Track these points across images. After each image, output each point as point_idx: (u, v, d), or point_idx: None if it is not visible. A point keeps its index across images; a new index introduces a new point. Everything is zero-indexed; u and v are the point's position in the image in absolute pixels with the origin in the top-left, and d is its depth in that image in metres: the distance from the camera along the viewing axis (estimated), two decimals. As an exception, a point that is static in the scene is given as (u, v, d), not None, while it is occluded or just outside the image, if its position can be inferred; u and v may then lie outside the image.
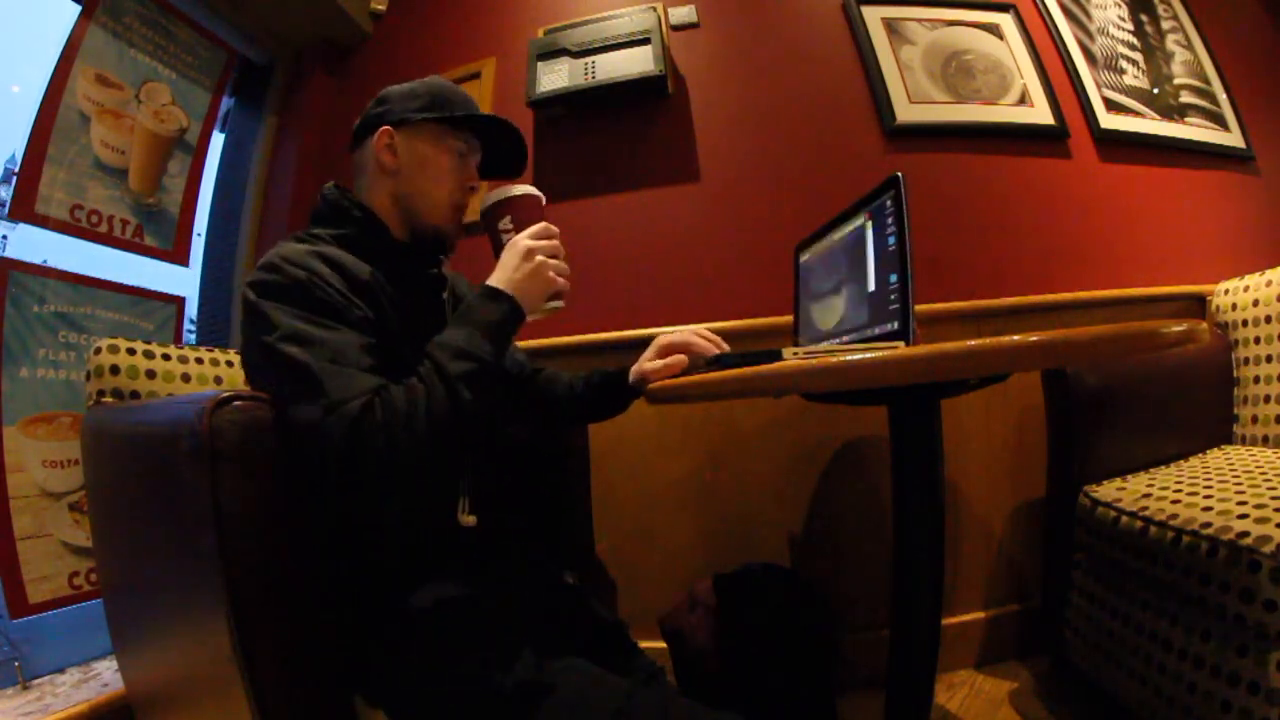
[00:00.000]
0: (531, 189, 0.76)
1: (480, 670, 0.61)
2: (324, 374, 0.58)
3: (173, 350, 1.01)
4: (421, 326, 0.71)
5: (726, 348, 0.88)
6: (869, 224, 0.88)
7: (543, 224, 0.74)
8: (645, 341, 0.91)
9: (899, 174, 0.80)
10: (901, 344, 0.70)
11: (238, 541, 0.56)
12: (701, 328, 0.92)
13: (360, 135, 0.80)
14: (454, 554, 0.72)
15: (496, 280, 0.70)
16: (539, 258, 0.70)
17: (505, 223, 0.74)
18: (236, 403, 0.58)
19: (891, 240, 0.81)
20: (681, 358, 0.84)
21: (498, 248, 0.74)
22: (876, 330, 0.84)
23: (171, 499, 0.65)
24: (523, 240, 0.71)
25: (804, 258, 1.11)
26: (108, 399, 0.90)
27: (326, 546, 0.65)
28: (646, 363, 0.86)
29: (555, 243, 0.74)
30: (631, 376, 0.88)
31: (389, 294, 0.71)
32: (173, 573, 0.70)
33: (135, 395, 0.92)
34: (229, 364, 1.08)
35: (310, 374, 0.57)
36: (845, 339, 0.93)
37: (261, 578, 0.57)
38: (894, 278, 0.80)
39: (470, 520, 0.72)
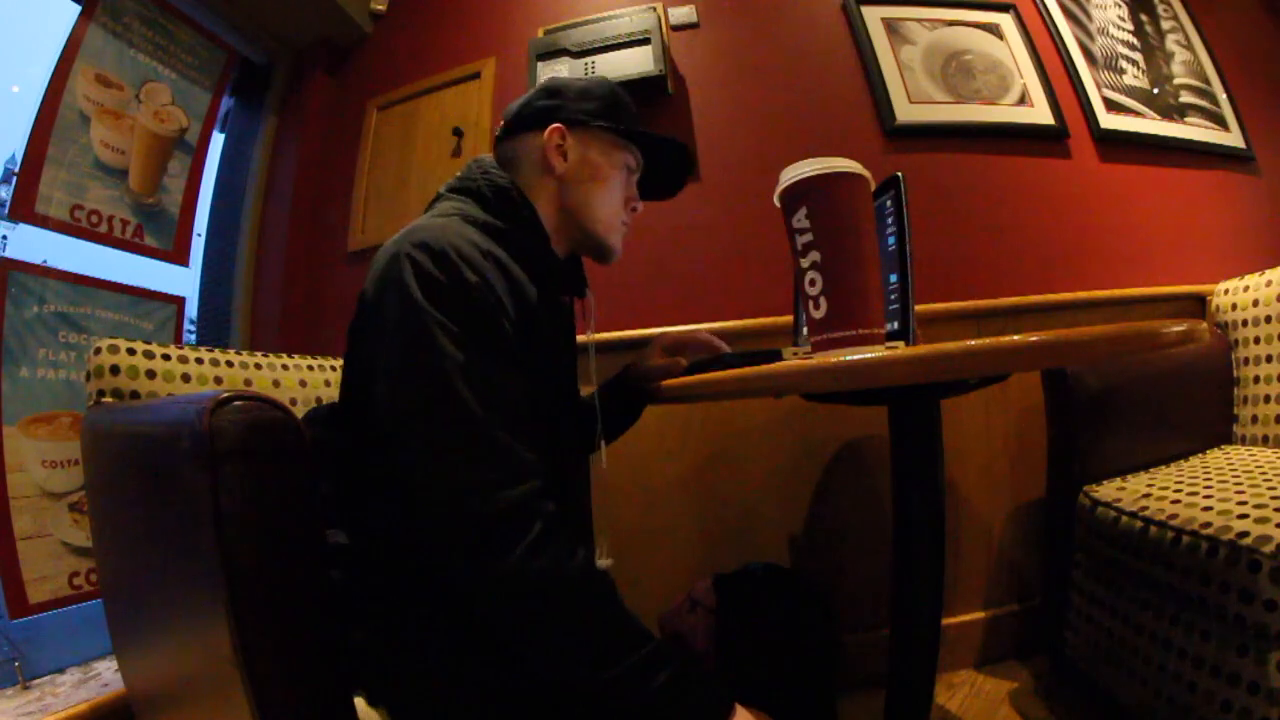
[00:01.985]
0: (838, 168, 0.58)
1: (485, 671, 0.61)
2: (496, 447, 0.51)
3: (173, 350, 1.01)
4: (556, 359, 0.66)
5: (727, 348, 0.88)
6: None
7: None
8: (645, 342, 0.91)
9: (899, 174, 0.80)
10: (902, 344, 0.70)
11: (238, 542, 0.55)
12: (701, 328, 0.92)
13: (521, 125, 0.72)
14: None
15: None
16: None
17: (799, 219, 0.57)
18: (237, 403, 0.57)
19: (892, 240, 0.81)
20: (680, 361, 0.82)
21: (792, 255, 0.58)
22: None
23: (171, 499, 0.65)
24: None
25: None
26: (108, 399, 0.90)
27: (334, 545, 0.64)
28: (648, 362, 0.85)
29: None
30: (631, 376, 0.87)
31: (542, 319, 0.63)
32: (173, 573, 0.69)
33: (135, 395, 0.92)
34: (229, 364, 1.08)
35: (479, 440, 0.51)
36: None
37: (262, 579, 0.56)
38: (894, 278, 0.80)
39: (608, 563, 0.67)
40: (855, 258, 0.56)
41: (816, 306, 0.55)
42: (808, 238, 0.56)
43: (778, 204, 0.59)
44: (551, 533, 0.52)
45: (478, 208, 0.67)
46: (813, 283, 0.55)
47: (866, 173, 0.58)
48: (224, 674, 0.56)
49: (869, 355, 0.52)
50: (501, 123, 0.76)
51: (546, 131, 0.70)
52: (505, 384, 0.54)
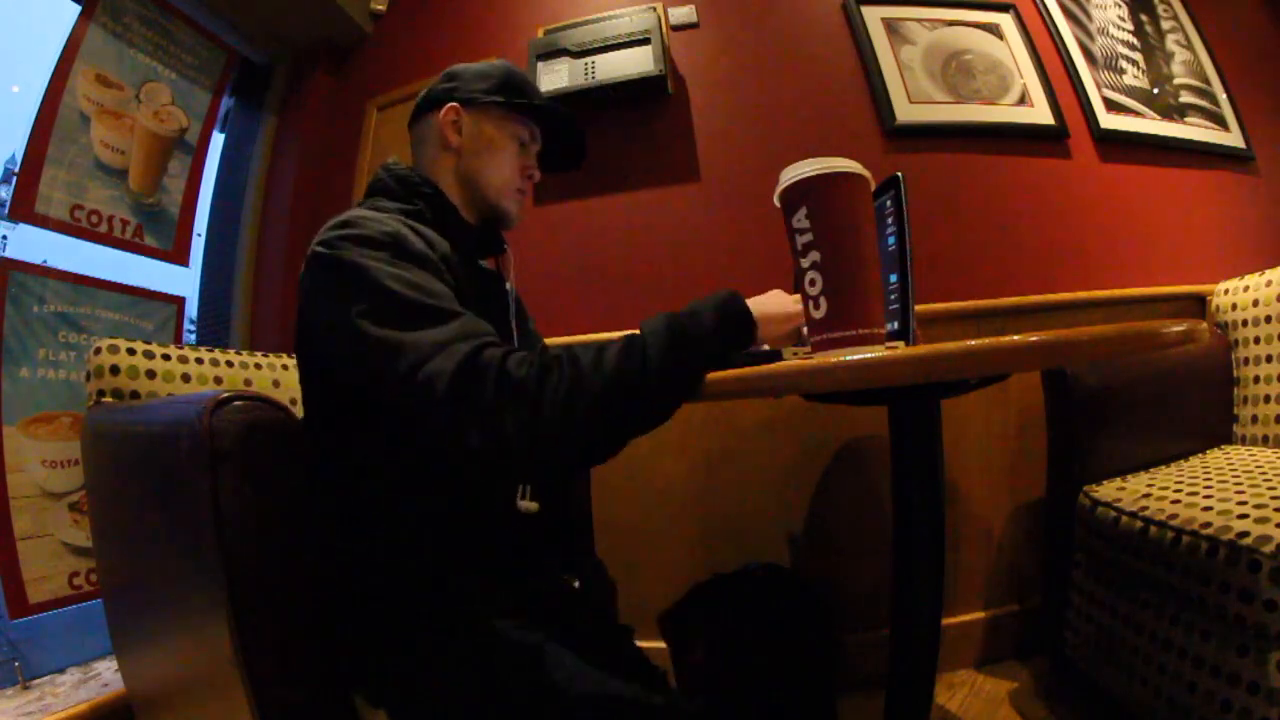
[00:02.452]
0: (836, 168, 0.58)
1: (483, 671, 0.61)
2: (452, 312, 0.54)
3: (173, 350, 1.01)
4: (487, 318, 0.68)
5: None
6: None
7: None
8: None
9: (899, 174, 0.80)
10: (902, 344, 0.70)
11: (238, 543, 0.55)
12: None
13: (424, 109, 0.79)
14: (508, 543, 0.70)
15: (754, 301, 0.63)
16: (794, 324, 0.67)
17: (799, 219, 0.57)
18: (237, 402, 0.57)
19: (892, 240, 0.81)
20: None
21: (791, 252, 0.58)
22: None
23: (171, 499, 0.65)
24: (795, 305, 0.66)
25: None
26: (108, 399, 0.90)
27: (334, 545, 0.64)
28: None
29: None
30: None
31: (461, 275, 0.68)
32: (173, 573, 0.70)
33: (135, 395, 0.92)
34: (229, 364, 1.08)
35: (430, 308, 0.54)
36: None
37: (262, 579, 0.57)
38: (894, 277, 0.80)
39: (532, 506, 0.69)
40: (855, 258, 0.56)
41: (816, 306, 0.56)
42: (807, 238, 0.56)
43: (777, 204, 0.60)
44: (509, 356, 0.52)
45: (386, 200, 0.73)
46: (812, 283, 0.56)
47: (866, 172, 0.58)
48: (224, 673, 0.56)
49: (869, 355, 0.52)
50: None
51: (443, 110, 0.76)
52: (432, 281, 0.58)
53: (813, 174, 0.57)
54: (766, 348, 0.68)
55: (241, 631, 0.55)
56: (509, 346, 0.54)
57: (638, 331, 0.55)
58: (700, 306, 0.57)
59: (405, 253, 0.59)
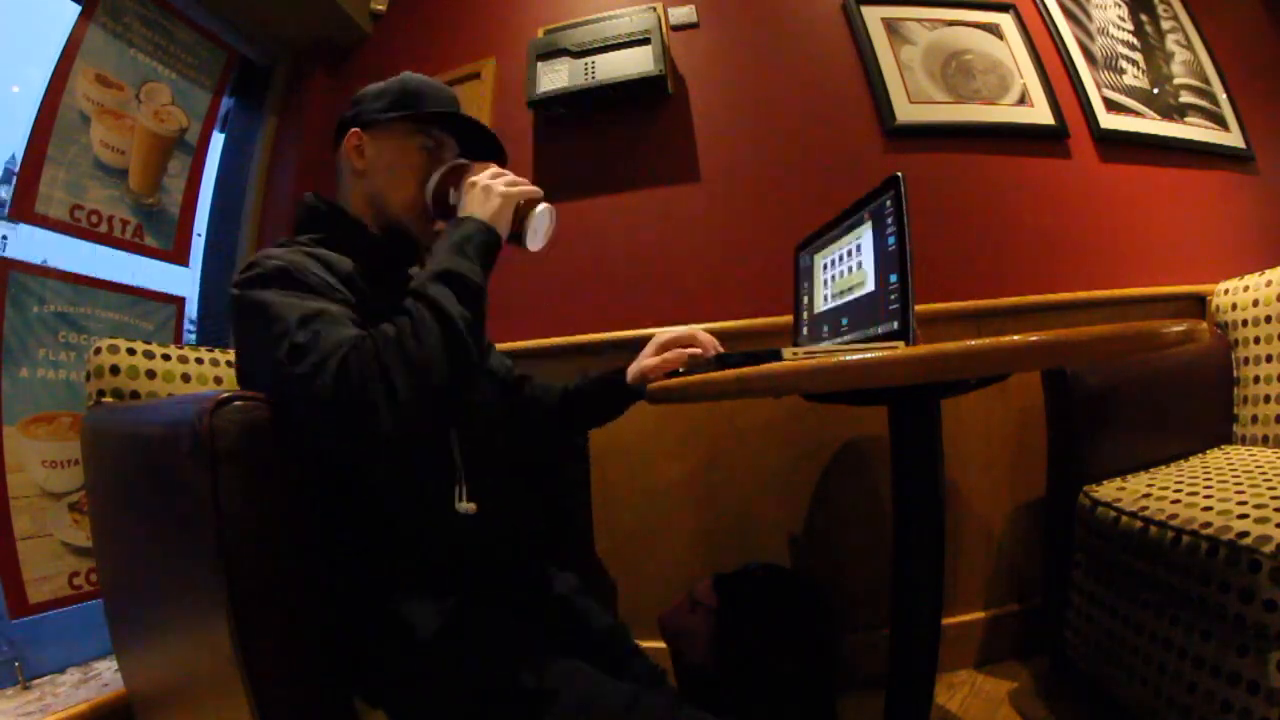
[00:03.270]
0: (461, 160, 0.76)
1: (482, 672, 0.61)
2: (313, 330, 0.57)
3: (173, 350, 1.01)
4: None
5: (720, 348, 0.88)
6: (869, 224, 0.88)
7: (491, 166, 0.73)
8: (643, 341, 0.90)
9: (899, 174, 0.80)
10: (902, 344, 0.70)
11: (238, 543, 0.55)
12: (699, 328, 0.91)
13: (336, 140, 0.80)
14: (451, 547, 0.71)
15: (460, 212, 0.69)
16: (500, 187, 0.69)
17: (454, 196, 0.72)
18: (237, 403, 0.57)
19: (892, 240, 0.81)
20: (681, 353, 0.83)
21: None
22: (878, 330, 0.84)
23: (172, 500, 0.65)
24: (478, 179, 0.70)
25: (803, 257, 1.12)
26: (107, 399, 0.90)
27: (330, 545, 0.65)
28: (645, 360, 0.86)
29: (510, 175, 0.71)
30: (630, 376, 0.87)
31: (368, 290, 0.70)
32: (173, 573, 0.70)
33: (135, 395, 0.92)
34: (229, 364, 1.08)
35: (297, 332, 0.57)
36: (846, 339, 0.93)
37: (262, 579, 0.57)
38: (894, 277, 0.80)
39: (470, 508, 0.70)
40: None
41: None
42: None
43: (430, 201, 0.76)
44: (379, 336, 0.56)
45: (302, 233, 0.76)
46: None
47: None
48: (224, 673, 0.56)
49: (869, 355, 0.52)
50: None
51: (346, 137, 0.78)
52: (316, 305, 0.60)
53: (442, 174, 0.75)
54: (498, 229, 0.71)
55: (242, 632, 0.55)
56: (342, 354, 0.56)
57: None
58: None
59: (292, 281, 0.62)
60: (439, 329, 0.57)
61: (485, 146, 0.84)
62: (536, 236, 0.72)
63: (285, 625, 0.58)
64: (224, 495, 0.55)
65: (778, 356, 0.60)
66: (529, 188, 0.71)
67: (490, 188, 0.69)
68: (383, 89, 0.80)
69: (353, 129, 0.78)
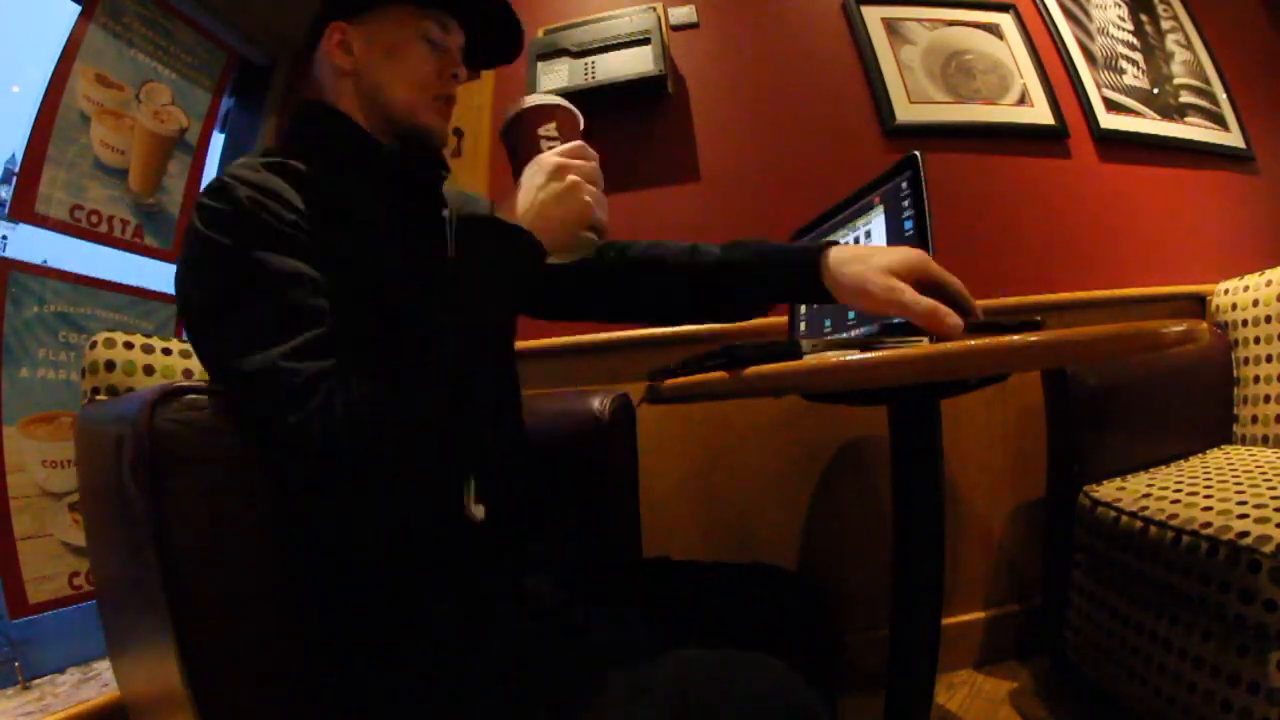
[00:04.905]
0: (571, 106, 0.62)
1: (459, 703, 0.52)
2: (294, 343, 0.47)
3: (175, 344, 0.95)
4: (421, 257, 0.61)
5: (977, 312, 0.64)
6: (880, 208, 0.84)
7: (579, 143, 0.59)
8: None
9: (916, 153, 0.77)
10: (925, 339, 0.65)
11: (186, 581, 0.44)
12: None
13: (310, 42, 0.67)
14: (460, 558, 0.61)
15: (517, 204, 0.55)
16: (571, 177, 0.56)
17: (549, 129, 0.59)
18: (187, 396, 0.45)
19: (909, 224, 0.77)
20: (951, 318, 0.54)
21: (523, 160, 0.59)
22: (894, 321, 0.77)
23: (123, 514, 0.51)
24: (551, 156, 0.57)
25: None
26: (101, 397, 0.85)
27: (302, 567, 0.54)
28: (885, 280, 0.57)
29: (594, 165, 0.59)
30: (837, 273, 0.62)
31: (381, 220, 0.60)
32: (133, 593, 0.59)
33: (131, 393, 0.90)
34: None
35: (275, 343, 0.47)
36: (857, 332, 0.88)
37: (217, 621, 0.46)
38: None
39: (479, 512, 0.60)
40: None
41: None
42: (554, 143, 0.59)
43: (507, 123, 0.61)
44: (352, 397, 0.47)
45: (289, 145, 0.63)
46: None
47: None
48: (180, 698, 0.48)
49: (868, 355, 0.52)
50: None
51: (326, 33, 0.65)
52: (278, 288, 0.50)
53: (559, 103, 0.61)
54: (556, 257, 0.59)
55: (190, 664, 0.45)
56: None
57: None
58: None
59: (266, 227, 0.52)
60: (437, 411, 0.49)
61: (499, 33, 0.71)
62: (563, 257, 0.61)
63: (240, 662, 0.48)
64: (169, 517, 0.43)
65: (796, 348, 0.57)
66: (603, 203, 0.59)
67: (576, 189, 0.56)
68: None
69: (333, 22, 0.64)
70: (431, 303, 0.52)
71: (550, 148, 0.58)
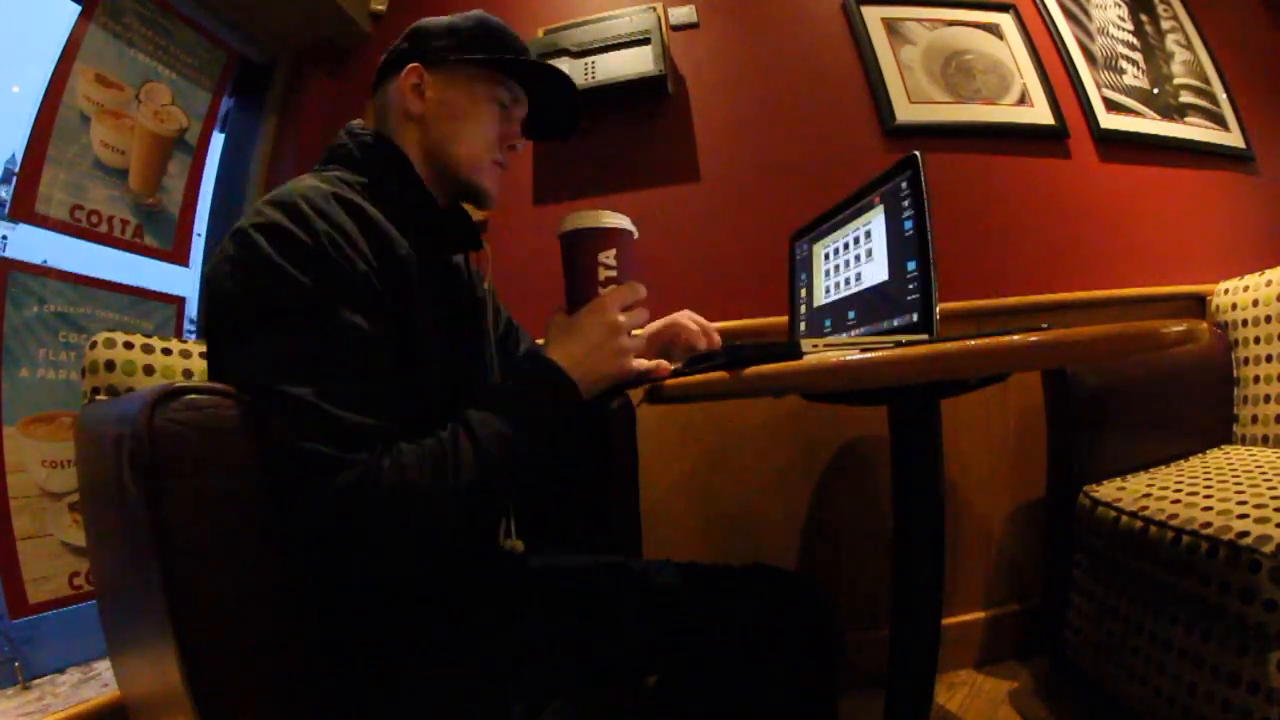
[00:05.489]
0: (633, 228, 0.64)
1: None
2: (327, 402, 0.46)
3: (175, 344, 0.95)
4: (457, 323, 0.61)
5: (718, 339, 0.83)
6: (880, 208, 0.84)
7: (635, 287, 0.61)
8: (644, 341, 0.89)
9: (916, 153, 0.77)
10: (925, 336, 0.66)
11: (188, 583, 0.44)
12: (687, 313, 0.84)
13: (384, 73, 0.68)
14: (491, 588, 0.60)
15: (567, 350, 0.57)
16: (625, 341, 0.59)
17: (609, 257, 0.61)
18: (189, 396, 0.45)
19: (909, 225, 0.77)
20: (664, 363, 0.69)
21: (580, 284, 0.61)
22: (895, 323, 0.79)
23: (123, 514, 0.52)
24: (614, 313, 0.59)
25: (800, 246, 1.08)
26: (101, 397, 0.85)
27: (308, 576, 0.53)
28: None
29: (643, 315, 0.62)
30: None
31: (423, 276, 0.59)
32: (133, 594, 0.60)
33: (131, 392, 0.90)
34: None
35: (308, 401, 0.46)
36: (857, 332, 0.88)
37: (217, 623, 0.46)
38: (912, 265, 0.76)
39: (518, 546, 0.61)
40: None
41: None
42: (612, 273, 0.61)
43: (569, 234, 0.62)
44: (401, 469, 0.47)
45: (348, 171, 0.62)
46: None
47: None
48: (180, 699, 0.49)
49: (869, 355, 0.52)
50: None
51: (403, 73, 0.65)
52: (341, 341, 0.49)
53: (621, 226, 0.63)
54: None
55: (190, 665, 0.45)
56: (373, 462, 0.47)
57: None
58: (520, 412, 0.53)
59: (342, 272, 0.50)
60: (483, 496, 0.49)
61: (557, 110, 0.74)
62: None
63: (242, 663, 0.48)
64: (170, 520, 0.43)
65: (797, 349, 0.58)
66: (648, 366, 0.61)
67: (627, 355, 0.59)
68: (452, 24, 0.68)
69: (413, 64, 0.65)
70: (473, 403, 0.53)
71: (608, 278, 0.61)
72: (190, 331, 1.90)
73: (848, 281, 0.92)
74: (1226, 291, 1.39)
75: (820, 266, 1.01)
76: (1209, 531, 0.84)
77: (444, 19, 0.69)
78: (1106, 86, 1.65)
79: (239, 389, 0.48)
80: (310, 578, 0.53)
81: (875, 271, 0.84)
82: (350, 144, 0.64)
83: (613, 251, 0.61)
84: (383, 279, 0.54)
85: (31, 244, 1.48)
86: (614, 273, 0.61)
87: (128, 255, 1.65)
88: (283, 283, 0.49)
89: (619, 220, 0.62)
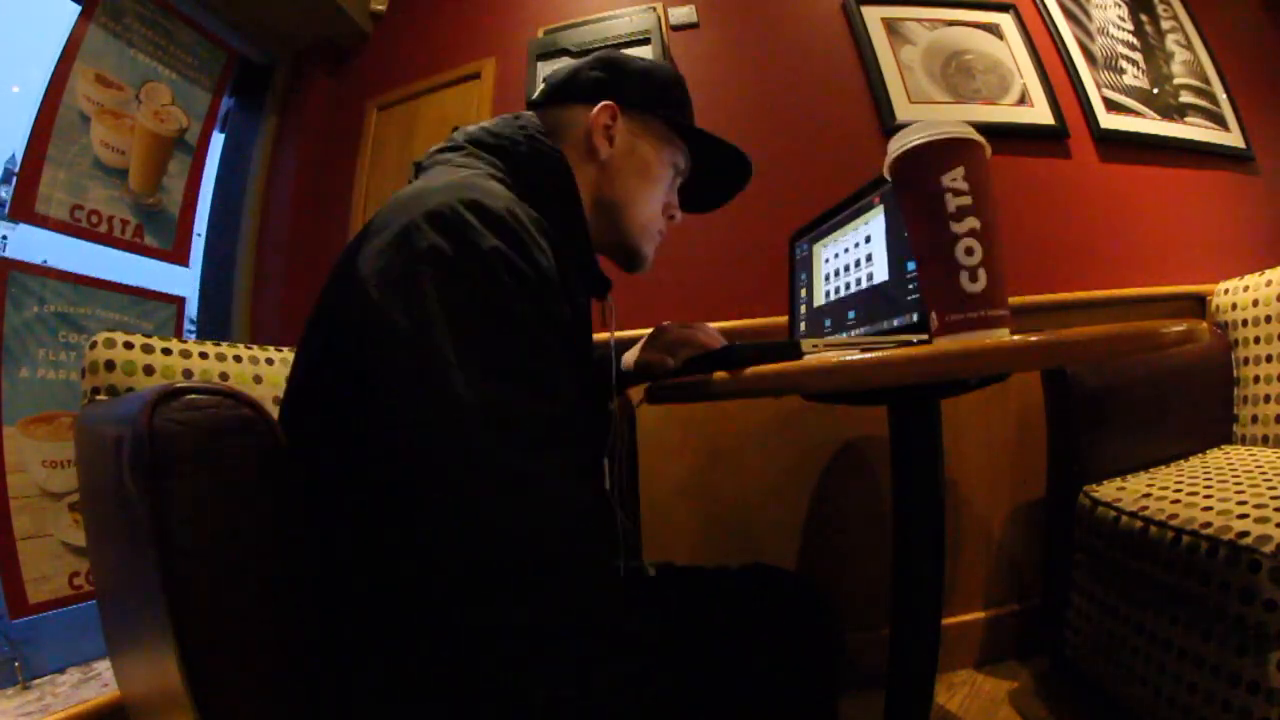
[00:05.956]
0: (981, 139, 0.53)
1: None
2: (557, 466, 0.40)
3: (175, 344, 0.95)
4: (590, 400, 0.58)
5: (719, 339, 0.83)
6: (880, 208, 0.84)
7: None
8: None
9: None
10: (926, 337, 0.66)
11: (188, 583, 0.43)
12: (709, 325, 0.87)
13: (568, 95, 0.61)
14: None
15: None
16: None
17: (955, 179, 0.50)
18: (190, 396, 0.44)
19: None
20: (668, 360, 0.72)
21: (922, 224, 0.52)
22: (895, 323, 0.79)
23: (123, 514, 0.51)
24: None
25: (801, 247, 1.08)
26: (101, 397, 0.84)
27: (309, 584, 0.51)
28: (649, 353, 0.75)
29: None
30: (627, 362, 0.78)
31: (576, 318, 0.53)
32: (133, 594, 0.59)
33: (131, 393, 0.90)
34: (236, 359, 1.02)
35: (523, 479, 0.39)
36: (857, 332, 0.89)
37: (217, 623, 0.45)
38: (912, 265, 0.76)
39: (651, 570, 0.59)
40: (1001, 230, 0.52)
41: (973, 279, 0.50)
42: (965, 200, 0.50)
43: (892, 164, 0.54)
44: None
45: (505, 172, 0.54)
46: (970, 251, 0.50)
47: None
48: (180, 699, 0.48)
49: (869, 355, 0.52)
50: (542, 86, 0.65)
51: (597, 108, 0.59)
52: (559, 395, 0.43)
53: (969, 136, 0.51)
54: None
55: (190, 670, 0.44)
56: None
57: None
58: None
59: (536, 319, 0.43)
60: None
61: (718, 182, 0.71)
62: None
63: (243, 669, 0.47)
64: (171, 521, 0.42)
65: (797, 349, 0.57)
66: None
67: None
68: (650, 70, 0.64)
69: (610, 100, 0.59)
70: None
71: (960, 207, 0.49)
72: (190, 331, 1.91)
73: (848, 281, 0.92)
74: (1226, 291, 1.39)
75: (820, 266, 1.02)
76: (1209, 531, 0.84)
77: (641, 60, 0.65)
78: (1106, 86, 1.65)
79: (406, 428, 0.42)
80: (311, 578, 0.52)
81: (875, 271, 0.85)
82: (525, 148, 0.56)
83: (960, 170, 0.50)
84: (568, 334, 0.49)
85: (31, 244, 1.48)
86: (966, 199, 0.50)
87: (128, 255, 1.65)
88: (487, 304, 0.41)
89: (961, 129, 0.51)
